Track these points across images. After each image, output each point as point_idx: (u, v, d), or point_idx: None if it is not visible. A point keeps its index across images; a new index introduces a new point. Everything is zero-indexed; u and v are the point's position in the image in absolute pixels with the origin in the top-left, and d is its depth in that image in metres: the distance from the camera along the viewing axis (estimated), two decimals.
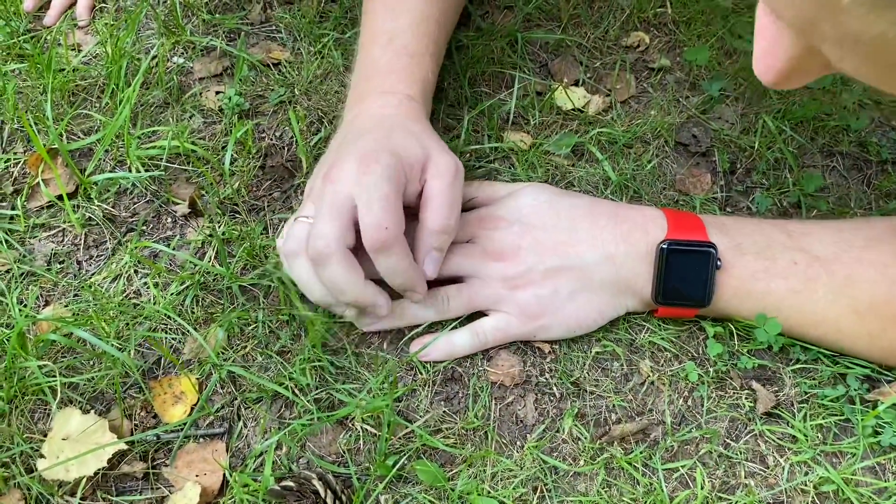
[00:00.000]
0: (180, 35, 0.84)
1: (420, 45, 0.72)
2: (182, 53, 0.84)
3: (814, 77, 0.39)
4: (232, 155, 0.75)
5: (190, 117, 0.78)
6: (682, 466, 0.62)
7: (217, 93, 0.80)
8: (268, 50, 0.84)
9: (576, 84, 0.84)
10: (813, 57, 0.36)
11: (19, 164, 0.74)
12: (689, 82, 0.85)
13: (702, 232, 0.64)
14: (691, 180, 0.77)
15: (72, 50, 0.83)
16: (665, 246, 0.63)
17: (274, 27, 0.87)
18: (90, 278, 0.69)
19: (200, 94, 0.80)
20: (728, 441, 0.63)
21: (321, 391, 0.64)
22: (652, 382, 0.66)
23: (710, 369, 0.67)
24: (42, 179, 0.72)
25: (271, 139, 0.78)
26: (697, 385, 0.66)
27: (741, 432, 0.64)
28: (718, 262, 0.63)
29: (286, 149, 0.77)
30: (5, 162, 0.75)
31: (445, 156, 0.63)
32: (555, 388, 0.66)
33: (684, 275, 0.63)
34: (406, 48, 0.71)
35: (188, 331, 0.65)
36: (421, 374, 0.66)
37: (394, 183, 0.59)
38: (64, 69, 0.80)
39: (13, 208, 0.72)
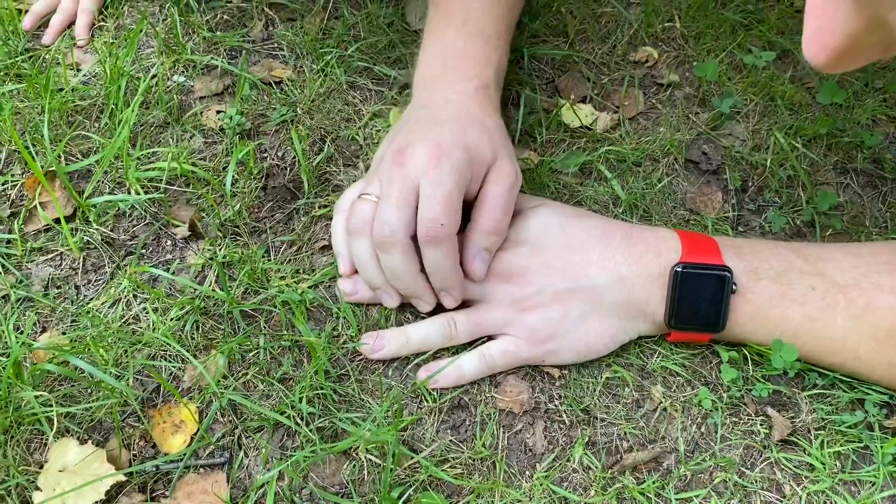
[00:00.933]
0: (181, 53, 0.83)
1: (495, 28, 0.73)
2: (182, 72, 0.83)
3: (867, 59, 0.37)
4: (233, 176, 0.74)
5: (190, 137, 0.77)
6: (697, 496, 0.60)
7: (218, 112, 0.78)
8: (269, 68, 0.83)
9: (583, 101, 0.82)
10: (872, 33, 0.34)
11: (17, 187, 0.73)
12: (699, 98, 0.83)
13: (717, 255, 0.63)
14: (702, 199, 0.76)
15: (70, 69, 0.82)
16: (679, 269, 0.62)
17: (276, 45, 0.86)
18: (88, 304, 0.67)
19: (201, 113, 0.79)
20: (743, 469, 0.62)
21: (324, 420, 0.62)
22: (664, 409, 0.65)
23: (724, 395, 0.65)
24: (39, 203, 0.71)
25: (273, 159, 0.76)
26: (711, 412, 0.64)
27: (756, 460, 0.62)
28: (734, 287, 0.61)
29: (288, 169, 0.76)
30: (2, 185, 0.73)
31: (508, 163, 0.65)
32: (564, 416, 0.64)
33: (698, 298, 0.62)
34: (482, 31, 0.72)
35: (188, 358, 0.64)
36: (427, 402, 0.64)
37: (460, 180, 0.60)
38: (62, 89, 0.79)
39: (10, 232, 0.70)
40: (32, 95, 0.77)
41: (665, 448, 0.63)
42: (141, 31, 0.84)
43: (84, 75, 0.81)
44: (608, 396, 0.65)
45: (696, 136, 0.80)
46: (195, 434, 0.62)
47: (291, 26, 0.88)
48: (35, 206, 0.71)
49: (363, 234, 0.62)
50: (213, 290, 0.68)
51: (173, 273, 0.69)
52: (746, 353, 0.65)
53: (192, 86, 0.81)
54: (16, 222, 0.71)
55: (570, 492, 0.60)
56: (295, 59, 0.85)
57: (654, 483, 0.61)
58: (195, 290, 0.67)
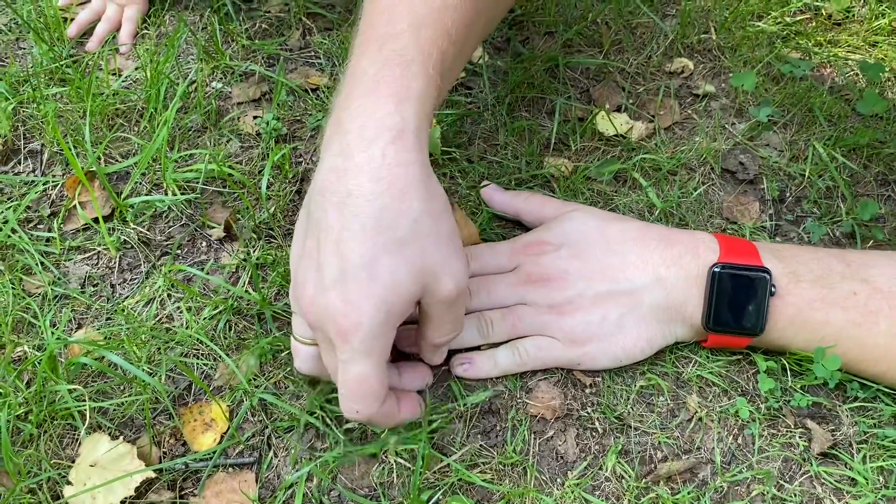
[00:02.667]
0: (219, 60, 0.84)
1: (427, 46, 0.55)
2: (221, 79, 0.84)
3: None
4: (269, 179, 0.74)
5: (227, 142, 0.78)
6: None
7: (255, 118, 0.79)
8: (306, 75, 0.84)
9: (618, 110, 0.82)
10: None
11: (57, 187, 0.74)
12: (735, 109, 0.83)
13: (755, 257, 0.62)
14: (739, 208, 0.75)
15: (112, 75, 0.84)
16: (717, 269, 0.61)
17: (313, 53, 0.87)
18: (123, 301, 0.68)
19: (238, 118, 0.80)
20: (782, 482, 0.60)
21: (354, 422, 0.62)
22: (700, 419, 0.63)
23: (762, 406, 0.63)
24: (78, 202, 0.72)
25: (308, 164, 0.77)
26: (748, 422, 0.63)
27: (795, 473, 0.60)
28: (773, 288, 0.60)
29: None
30: (44, 184, 0.75)
31: (446, 280, 0.52)
32: (597, 423, 0.63)
33: (737, 300, 0.60)
34: (403, 54, 0.53)
35: (220, 356, 0.64)
36: (458, 406, 0.63)
37: (375, 349, 0.51)
38: (104, 93, 0.81)
39: (49, 230, 0.72)
40: (75, 99, 0.79)
41: (700, 459, 0.61)
42: (181, 36, 0.85)
43: (125, 80, 0.83)
44: (642, 405, 0.64)
45: (733, 146, 0.79)
46: (225, 433, 0.62)
47: (328, 35, 0.89)
48: (74, 206, 0.72)
49: (317, 373, 0.59)
50: (247, 292, 0.68)
51: (207, 273, 0.69)
52: (785, 362, 0.64)
53: (230, 92, 0.82)
54: (55, 221, 0.72)
55: (602, 500, 0.59)
56: (331, 66, 0.85)
57: (689, 494, 0.59)
58: (228, 290, 0.68)
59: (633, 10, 0.90)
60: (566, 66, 0.85)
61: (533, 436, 0.62)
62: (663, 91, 0.83)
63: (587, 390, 0.64)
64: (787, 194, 0.76)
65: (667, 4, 0.92)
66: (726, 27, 0.88)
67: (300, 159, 0.77)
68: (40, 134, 0.78)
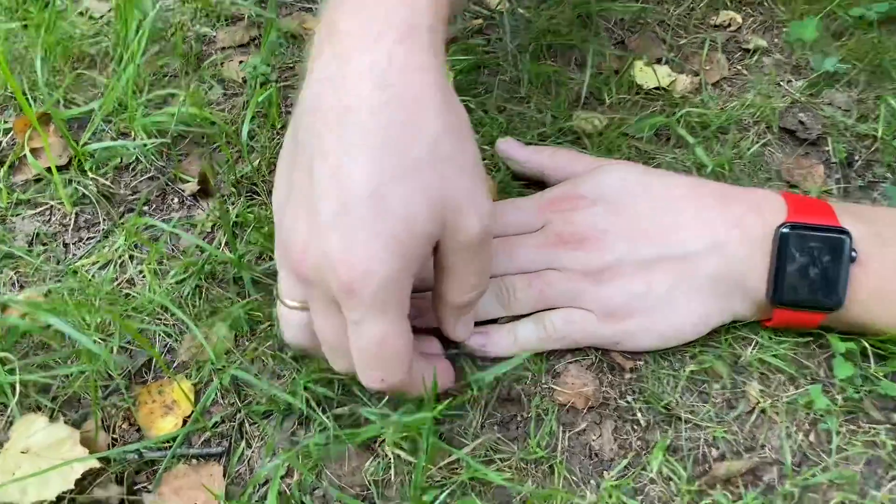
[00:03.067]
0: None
1: None
2: (205, 22, 0.74)
3: None
4: (253, 129, 0.64)
5: (209, 88, 0.68)
6: None
7: (241, 62, 0.69)
8: (301, 20, 0.74)
9: (658, 62, 0.71)
10: None
11: (8, 135, 0.64)
12: (792, 65, 0.72)
13: (831, 216, 0.51)
14: (800, 171, 0.64)
15: (80, 15, 0.74)
16: (786, 230, 0.50)
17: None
18: (76, 262, 0.58)
19: (222, 63, 0.70)
20: (866, 488, 0.49)
21: (344, 407, 0.51)
22: (763, 411, 0.52)
23: (839, 396, 0.52)
24: (30, 150, 0.62)
25: None
26: (823, 416, 0.52)
27: (883, 478, 0.49)
28: (853, 253, 0.49)
29: None
30: None
31: (471, 216, 0.41)
32: (639, 415, 0.52)
33: (809, 268, 0.50)
34: None
35: (185, 324, 0.53)
36: (470, 391, 0.52)
37: (394, 301, 0.40)
38: (70, 35, 0.71)
39: None
40: (33, 35, 0.69)
41: (765, 458, 0.50)
42: None
43: (96, 21, 0.73)
44: (693, 394, 0.53)
45: (791, 104, 0.69)
46: (189, 417, 0.51)
47: None
48: (24, 155, 0.61)
49: (313, 347, 0.47)
50: (222, 251, 0.57)
51: (175, 227, 0.58)
52: (866, 344, 0.53)
53: (215, 36, 0.72)
54: (0, 170, 0.61)
55: None
56: None
57: (754, 500, 0.48)
58: (200, 249, 0.57)
59: None
60: (599, 15, 0.75)
61: (561, 428, 0.51)
62: (709, 44, 0.73)
63: (627, 376, 0.53)
64: (857, 157, 0.65)
65: None
66: None
67: (290, 109, 0.67)
68: None
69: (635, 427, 0.52)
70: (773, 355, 0.53)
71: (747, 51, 0.73)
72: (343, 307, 0.40)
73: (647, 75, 0.69)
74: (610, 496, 0.48)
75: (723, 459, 0.50)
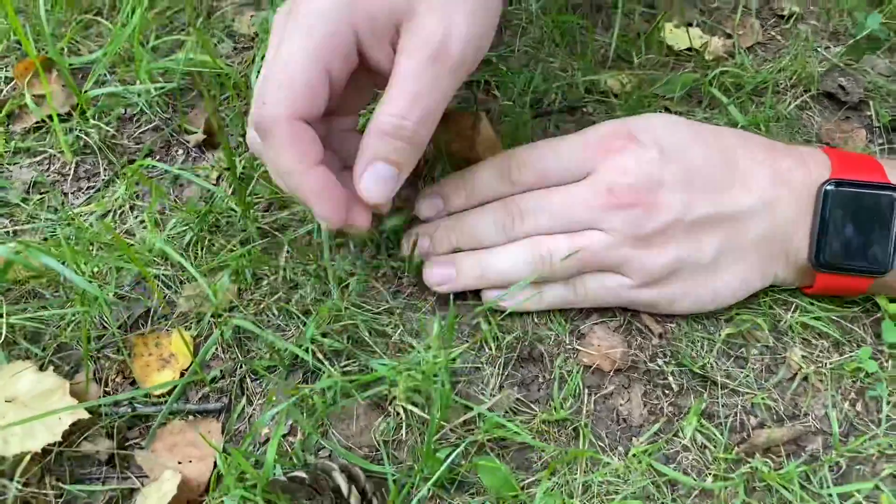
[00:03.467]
0: None
1: None
2: None
3: None
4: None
5: (219, 42, 0.65)
6: (858, 491, 0.44)
7: (252, 16, 0.66)
8: None
9: (689, 26, 0.68)
10: None
11: (11, 83, 0.61)
12: (829, 31, 0.69)
13: (879, 171, 0.47)
14: (840, 135, 0.60)
15: None
16: (830, 187, 0.46)
17: None
18: (75, 211, 0.54)
19: (233, 18, 0.67)
20: None
21: (353, 362, 0.48)
22: (805, 377, 0.48)
23: (887, 363, 0.48)
24: (32, 97, 0.59)
25: None
26: (872, 383, 0.48)
27: None
28: None
29: None
30: None
31: (433, 18, 0.40)
32: (671, 379, 0.48)
33: (856, 228, 0.46)
34: None
35: (185, 275, 0.50)
36: (488, 348, 0.49)
37: (313, 42, 0.40)
38: None
39: None
40: None
41: (809, 427, 0.46)
42: None
43: None
44: (729, 358, 0.49)
45: (830, 68, 0.65)
46: (186, 370, 0.48)
47: None
48: (25, 104, 0.58)
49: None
50: (228, 197, 0.54)
51: (179, 171, 0.55)
52: None
53: None
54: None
55: (679, 473, 0.44)
56: None
57: (797, 469, 0.44)
58: (207, 193, 0.54)
59: None
60: None
61: (587, 391, 0.48)
62: (742, 9, 0.69)
63: (655, 341, 0.50)
64: None
65: None
66: None
67: None
68: None
69: (666, 391, 0.48)
70: (816, 318, 0.50)
71: (782, 17, 0.70)
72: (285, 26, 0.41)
73: (677, 36, 0.65)
74: (640, 462, 0.44)
75: (762, 427, 0.46)
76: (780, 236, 0.48)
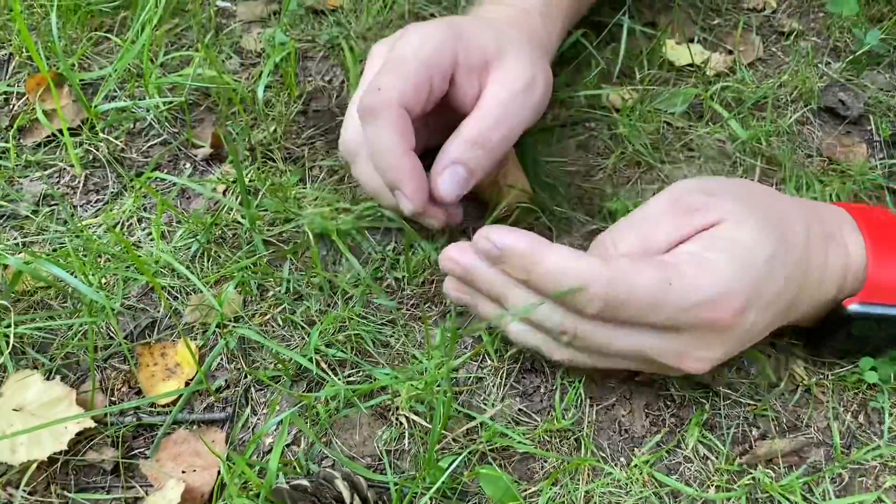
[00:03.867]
0: None
1: None
2: None
3: None
4: (269, 98, 0.62)
5: (226, 59, 0.66)
6: (860, 503, 0.44)
7: (259, 34, 0.67)
8: None
9: (690, 42, 0.69)
10: None
11: (23, 98, 0.63)
12: (829, 47, 0.69)
13: None
14: (842, 149, 0.61)
15: None
16: (856, 310, 0.45)
17: None
18: (82, 223, 0.55)
19: (240, 35, 0.68)
20: None
21: (357, 371, 0.48)
22: (808, 389, 0.48)
23: (890, 374, 0.48)
24: (43, 112, 0.60)
25: (320, 82, 0.64)
26: (874, 395, 0.48)
27: None
28: None
29: (335, 94, 0.64)
30: (4, 92, 0.63)
31: (520, 64, 0.48)
32: (673, 390, 0.48)
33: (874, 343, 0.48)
34: None
35: (191, 286, 0.51)
36: (490, 359, 0.49)
37: (424, 52, 0.47)
38: (89, 2, 0.69)
39: (6, 142, 0.59)
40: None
41: (810, 439, 0.46)
42: None
43: None
44: (731, 370, 0.49)
45: (830, 83, 0.66)
46: (191, 380, 0.48)
47: None
48: (36, 114, 0.59)
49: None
50: (233, 207, 0.55)
51: (186, 182, 0.56)
52: None
53: (235, 10, 0.71)
54: (11, 131, 0.59)
55: (681, 484, 0.44)
56: None
57: (798, 481, 0.44)
58: (214, 203, 0.55)
59: None
60: None
61: (588, 402, 0.48)
62: (742, 26, 0.70)
63: None
64: None
65: None
66: None
67: (309, 78, 0.65)
68: (9, 42, 0.66)
69: (668, 402, 0.48)
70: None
71: (782, 33, 0.71)
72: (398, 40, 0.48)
73: (679, 53, 0.66)
74: (641, 472, 0.45)
75: (764, 438, 0.46)
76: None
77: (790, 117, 0.62)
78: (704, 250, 0.41)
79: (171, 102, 0.61)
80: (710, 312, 0.40)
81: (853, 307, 0.44)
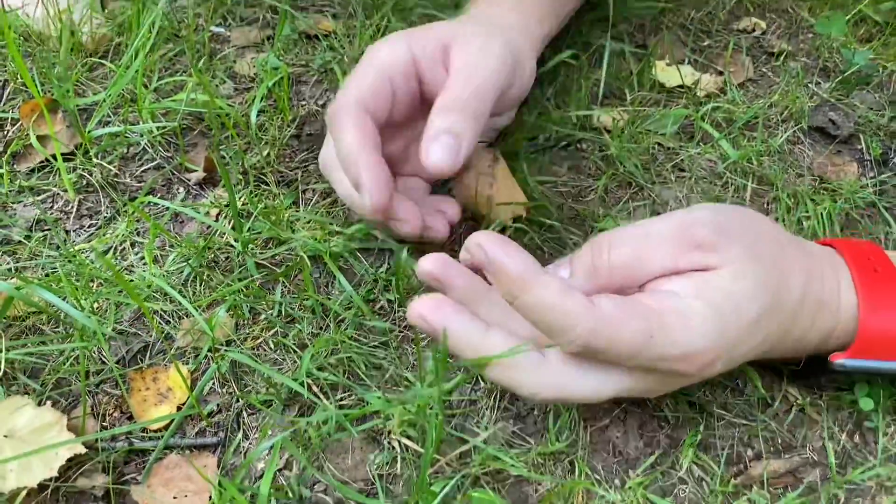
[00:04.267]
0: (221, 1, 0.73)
1: None
2: (220, 24, 0.73)
3: None
4: (263, 121, 0.62)
5: (220, 83, 0.66)
6: None
7: (253, 58, 0.68)
8: (317, 21, 0.72)
9: (680, 63, 0.69)
10: None
11: (17, 124, 0.63)
12: (819, 67, 0.70)
13: None
14: (832, 168, 0.61)
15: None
16: (843, 365, 0.44)
17: (326, 1, 0.76)
18: (75, 247, 0.55)
19: (234, 60, 0.68)
20: None
21: (349, 395, 0.48)
22: (802, 409, 0.48)
23: (882, 391, 0.48)
24: (37, 137, 0.60)
25: (313, 106, 0.65)
26: (868, 415, 0.48)
27: None
28: None
29: None
30: (1, 114, 0.63)
31: (478, 37, 0.50)
32: (667, 411, 0.48)
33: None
34: None
35: (183, 306, 0.50)
36: (483, 381, 0.49)
37: (377, 57, 0.50)
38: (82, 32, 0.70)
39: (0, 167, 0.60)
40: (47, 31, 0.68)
41: (806, 459, 0.46)
42: None
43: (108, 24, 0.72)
44: (726, 389, 0.49)
45: (820, 103, 0.66)
46: (183, 405, 0.48)
47: None
48: (29, 139, 0.60)
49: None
50: (226, 231, 0.55)
51: (178, 206, 0.56)
52: None
53: (229, 35, 0.71)
54: (4, 156, 0.60)
55: None
56: (347, 17, 0.74)
57: (795, 502, 0.44)
58: (205, 228, 0.55)
59: None
60: (619, 18, 0.73)
61: (582, 423, 0.48)
62: (732, 47, 0.71)
63: None
64: (892, 154, 0.62)
65: None
66: None
67: (303, 102, 0.65)
68: (4, 68, 0.66)
69: (662, 423, 0.48)
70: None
71: (772, 54, 0.71)
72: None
73: (669, 74, 0.67)
74: (636, 494, 0.44)
75: (759, 459, 0.46)
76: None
77: (781, 137, 0.63)
78: (694, 297, 0.40)
79: (164, 127, 0.61)
80: (681, 364, 0.39)
81: (840, 362, 0.43)
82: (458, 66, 0.49)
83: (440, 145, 0.46)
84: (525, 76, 0.54)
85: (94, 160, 0.59)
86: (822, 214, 0.57)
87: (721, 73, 0.68)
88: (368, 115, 0.48)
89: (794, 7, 0.76)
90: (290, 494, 0.44)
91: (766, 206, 0.59)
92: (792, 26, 0.74)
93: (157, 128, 0.61)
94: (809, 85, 0.68)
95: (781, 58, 0.71)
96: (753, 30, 0.74)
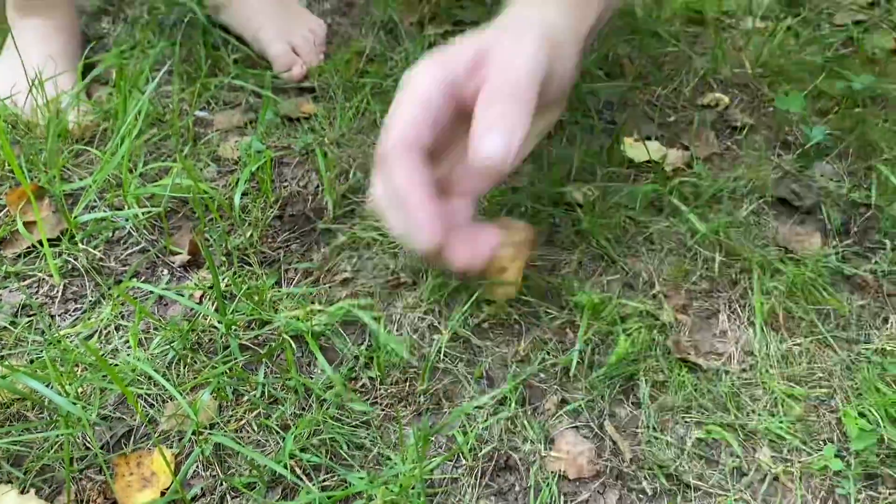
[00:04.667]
0: (204, 87, 0.76)
1: None
2: (204, 108, 0.75)
3: None
4: (246, 204, 0.64)
5: (204, 167, 0.68)
6: None
7: (236, 142, 0.70)
8: (298, 105, 0.75)
9: (648, 139, 0.72)
10: None
11: (4, 210, 0.64)
12: (780, 140, 0.73)
13: None
14: (797, 238, 0.63)
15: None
16: None
17: (307, 84, 0.79)
18: (60, 332, 0.56)
19: (218, 143, 0.71)
20: None
21: (332, 476, 0.49)
22: (776, 478, 0.49)
23: (853, 460, 0.50)
24: (24, 223, 0.61)
25: (295, 187, 0.67)
26: (840, 481, 0.49)
27: None
28: None
29: (311, 198, 0.66)
30: None
31: (508, 41, 0.48)
32: (644, 483, 0.49)
33: None
34: None
35: (167, 390, 0.51)
36: (464, 459, 0.50)
37: (412, 85, 0.48)
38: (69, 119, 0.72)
39: None
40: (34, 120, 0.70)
41: None
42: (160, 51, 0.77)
43: (94, 110, 0.74)
44: (700, 460, 0.50)
45: (783, 175, 0.69)
46: (167, 490, 0.49)
47: (328, 60, 0.81)
48: (16, 225, 0.61)
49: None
50: (210, 314, 0.56)
51: (163, 290, 0.57)
52: (877, 415, 0.51)
53: (212, 119, 0.74)
54: None
55: None
56: (327, 99, 0.77)
57: None
58: (189, 311, 0.56)
59: (659, 45, 0.83)
60: (588, 93, 0.76)
61: (563, 498, 0.48)
62: (698, 122, 0.74)
63: (627, 443, 0.51)
64: (853, 225, 0.65)
65: (694, 44, 0.85)
66: (761, 62, 0.80)
67: (285, 183, 0.67)
68: None
69: (641, 496, 0.49)
70: (780, 424, 0.51)
71: (735, 128, 0.75)
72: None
73: (637, 150, 0.69)
74: None
75: None
76: None
77: (746, 209, 0.65)
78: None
79: (149, 212, 0.62)
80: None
81: None
82: (495, 62, 0.48)
83: (493, 136, 0.46)
84: (567, 66, 0.52)
85: (80, 245, 0.61)
86: (788, 283, 0.59)
87: (687, 148, 0.71)
88: (415, 152, 0.47)
89: (755, 83, 0.79)
90: None
91: (735, 276, 0.61)
92: (754, 100, 0.78)
93: (143, 213, 0.63)
94: (772, 157, 0.71)
95: (744, 131, 0.74)
96: (717, 105, 0.77)
